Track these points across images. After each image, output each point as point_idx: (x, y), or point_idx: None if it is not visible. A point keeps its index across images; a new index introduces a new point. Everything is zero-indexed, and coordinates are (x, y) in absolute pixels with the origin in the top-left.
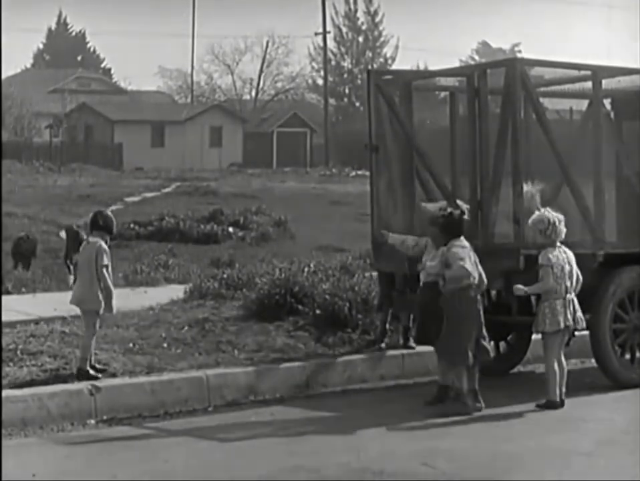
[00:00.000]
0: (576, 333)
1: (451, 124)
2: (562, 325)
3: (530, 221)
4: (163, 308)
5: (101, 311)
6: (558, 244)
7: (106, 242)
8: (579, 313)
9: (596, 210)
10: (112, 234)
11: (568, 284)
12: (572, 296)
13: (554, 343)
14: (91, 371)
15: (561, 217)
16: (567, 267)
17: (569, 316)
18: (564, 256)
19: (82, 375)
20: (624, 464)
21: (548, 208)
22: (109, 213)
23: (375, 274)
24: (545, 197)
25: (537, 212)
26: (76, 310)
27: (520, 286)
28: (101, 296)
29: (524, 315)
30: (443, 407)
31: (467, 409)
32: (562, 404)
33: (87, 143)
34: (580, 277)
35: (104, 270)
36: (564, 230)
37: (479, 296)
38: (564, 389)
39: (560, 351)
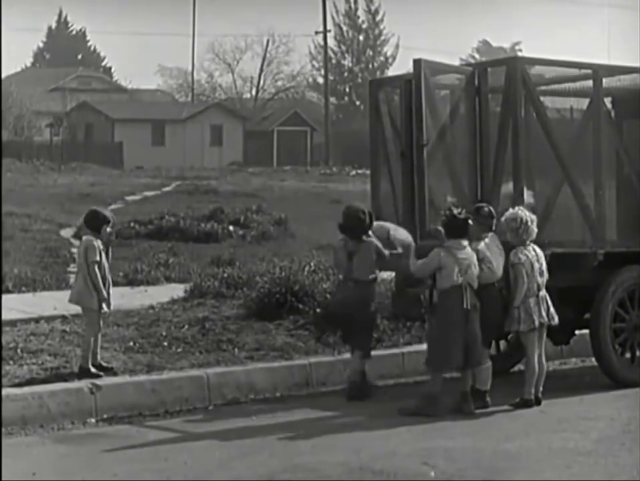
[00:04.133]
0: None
1: (451, 123)
2: (536, 323)
3: (502, 219)
4: (163, 307)
5: (104, 309)
6: (528, 242)
7: (106, 239)
8: (552, 309)
9: (597, 209)
10: (99, 233)
11: (540, 281)
12: (543, 293)
13: (532, 341)
14: (93, 370)
15: (533, 217)
16: (537, 265)
17: (543, 313)
18: (533, 254)
19: (83, 374)
20: (624, 464)
21: (521, 207)
22: (100, 211)
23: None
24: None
25: (510, 210)
26: (76, 309)
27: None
28: (97, 295)
29: None
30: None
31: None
32: (537, 403)
33: (87, 142)
34: (547, 275)
35: (95, 267)
36: (535, 230)
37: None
38: (540, 388)
39: (541, 349)
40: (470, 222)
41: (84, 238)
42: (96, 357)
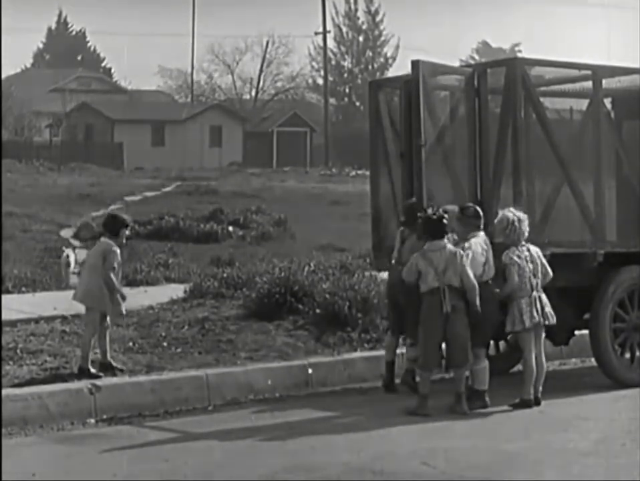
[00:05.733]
0: (548, 325)
1: (451, 123)
2: (527, 324)
3: (495, 221)
4: (163, 307)
5: (108, 313)
6: (523, 242)
7: (120, 244)
8: (547, 309)
9: (597, 209)
10: (117, 237)
11: (534, 282)
12: (538, 293)
13: (528, 341)
14: (92, 370)
15: (523, 216)
16: (530, 265)
17: (535, 314)
18: (526, 255)
19: (83, 374)
20: (624, 464)
21: (511, 208)
22: (119, 215)
23: (374, 273)
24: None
25: (500, 212)
26: (76, 309)
27: (496, 290)
28: (108, 298)
29: None
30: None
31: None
32: (537, 403)
33: (87, 142)
34: (550, 272)
35: (110, 273)
36: (526, 229)
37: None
38: (540, 388)
39: (539, 349)
40: (445, 221)
41: (102, 240)
42: (105, 356)
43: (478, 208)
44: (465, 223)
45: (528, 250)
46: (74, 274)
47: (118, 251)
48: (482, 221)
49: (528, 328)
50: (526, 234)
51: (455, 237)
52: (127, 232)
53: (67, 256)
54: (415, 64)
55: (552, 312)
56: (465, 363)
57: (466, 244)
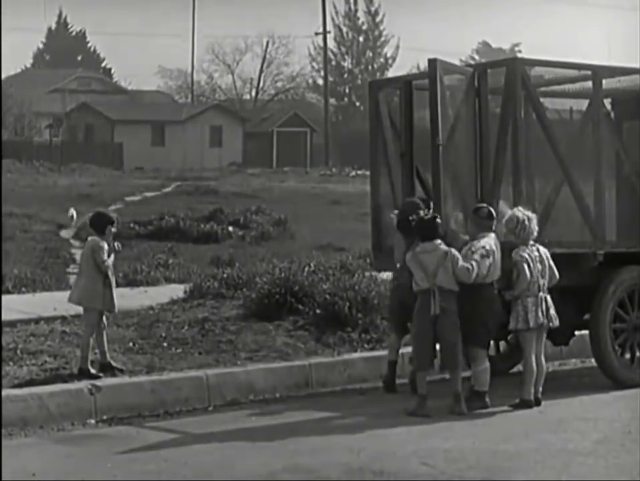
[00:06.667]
0: (551, 328)
1: (453, 123)
2: (531, 323)
3: (503, 220)
4: (163, 307)
5: (103, 309)
6: (532, 242)
7: (109, 242)
8: (552, 311)
9: (597, 210)
10: (104, 234)
11: (541, 282)
12: (545, 294)
13: (529, 341)
14: (92, 370)
15: (532, 216)
16: (539, 266)
17: (540, 314)
18: (536, 255)
19: (83, 374)
20: (624, 464)
21: (519, 207)
22: (105, 212)
23: (374, 273)
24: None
25: (509, 211)
26: (76, 310)
27: (509, 292)
28: (102, 294)
29: None
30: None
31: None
32: (537, 403)
33: (87, 142)
34: (557, 274)
35: (105, 266)
36: (535, 228)
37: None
38: (540, 388)
39: (539, 349)
40: (438, 221)
41: (89, 239)
42: (105, 356)
43: (492, 209)
44: (477, 224)
45: (538, 250)
46: (72, 274)
47: (106, 247)
48: (495, 222)
49: (532, 328)
50: (535, 233)
51: (467, 238)
52: (114, 230)
53: (72, 212)
54: (432, 62)
55: (556, 315)
56: (455, 367)
57: (474, 242)
